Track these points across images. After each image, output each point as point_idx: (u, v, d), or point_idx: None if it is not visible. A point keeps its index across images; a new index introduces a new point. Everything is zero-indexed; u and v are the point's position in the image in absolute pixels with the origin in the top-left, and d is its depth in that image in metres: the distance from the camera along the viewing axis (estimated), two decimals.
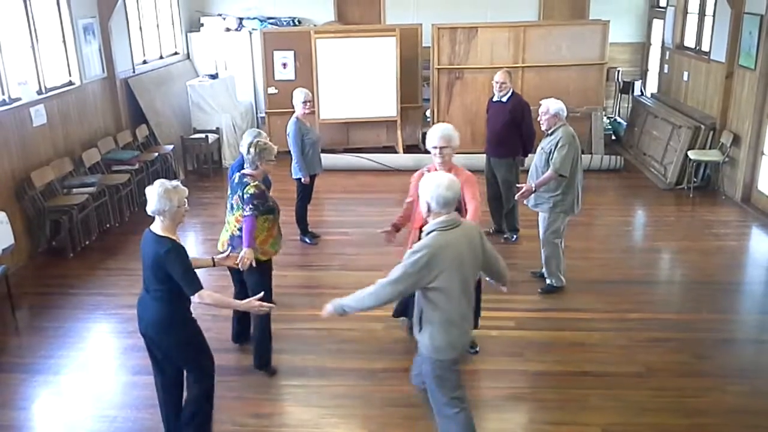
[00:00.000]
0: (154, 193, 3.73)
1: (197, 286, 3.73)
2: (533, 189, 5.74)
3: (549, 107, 5.72)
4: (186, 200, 3.83)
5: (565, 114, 5.75)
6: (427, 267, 3.31)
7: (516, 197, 6.05)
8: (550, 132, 5.76)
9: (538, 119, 5.84)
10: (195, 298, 3.74)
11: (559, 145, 5.61)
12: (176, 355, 3.96)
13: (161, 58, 11.10)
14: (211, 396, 4.07)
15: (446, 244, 3.34)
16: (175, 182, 3.83)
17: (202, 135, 10.05)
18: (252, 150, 4.74)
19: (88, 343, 5.53)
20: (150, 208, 3.77)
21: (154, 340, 3.93)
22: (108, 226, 7.95)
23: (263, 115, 11.29)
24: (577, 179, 5.80)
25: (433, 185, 3.37)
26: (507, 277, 3.86)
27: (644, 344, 5.27)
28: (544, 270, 6.12)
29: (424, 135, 11.15)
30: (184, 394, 4.08)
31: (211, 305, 3.90)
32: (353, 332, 5.51)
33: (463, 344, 3.62)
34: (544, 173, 5.71)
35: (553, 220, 5.87)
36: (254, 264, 4.63)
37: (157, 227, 3.81)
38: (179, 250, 3.74)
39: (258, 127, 11.90)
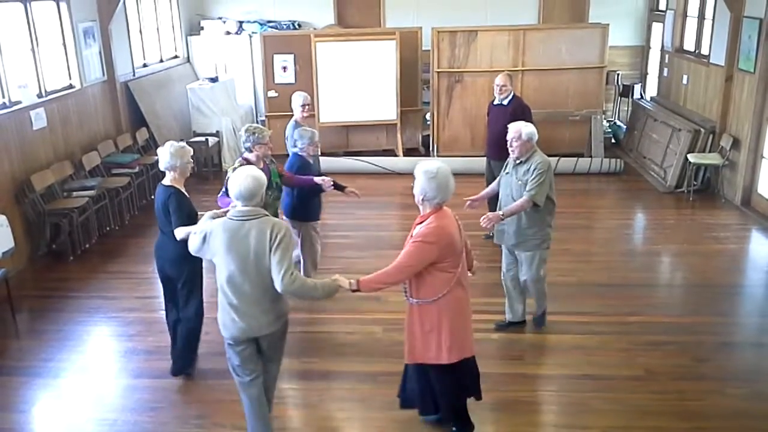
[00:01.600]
0: (167, 152, 4.57)
1: (180, 224, 4.42)
2: (502, 217, 5.03)
3: (521, 132, 4.97)
4: (191, 159, 4.65)
5: (536, 138, 5.06)
6: (203, 242, 3.75)
7: (483, 224, 4.97)
8: (523, 159, 5.04)
9: (508, 146, 5.07)
10: (175, 232, 4.43)
11: (538, 171, 4.94)
12: (187, 283, 4.74)
13: (161, 61, 11.12)
14: (201, 314, 4.88)
15: (224, 231, 3.65)
16: (182, 143, 4.66)
17: (202, 138, 10.06)
18: (244, 134, 5.22)
19: (88, 347, 5.53)
20: (162, 165, 4.60)
21: (171, 275, 4.77)
22: (108, 229, 7.96)
23: (263, 118, 11.30)
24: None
25: (231, 179, 3.75)
26: (285, 288, 3.63)
27: (644, 347, 5.27)
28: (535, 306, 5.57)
29: (424, 138, 11.21)
30: None
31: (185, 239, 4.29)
32: (353, 335, 5.51)
33: (233, 330, 3.78)
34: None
35: (541, 258, 5.29)
36: None
37: (167, 180, 4.61)
38: (180, 195, 4.56)
39: None
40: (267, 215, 3.71)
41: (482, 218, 4.95)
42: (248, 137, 5.15)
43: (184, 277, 4.73)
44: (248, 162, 5.12)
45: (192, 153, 4.70)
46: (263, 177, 3.73)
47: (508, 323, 5.57)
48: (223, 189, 5.08)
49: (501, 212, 5.05)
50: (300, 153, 5.94)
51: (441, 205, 3.76)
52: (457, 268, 3.77)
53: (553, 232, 5.31)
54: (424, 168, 3.74)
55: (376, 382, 4.87)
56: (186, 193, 4.62)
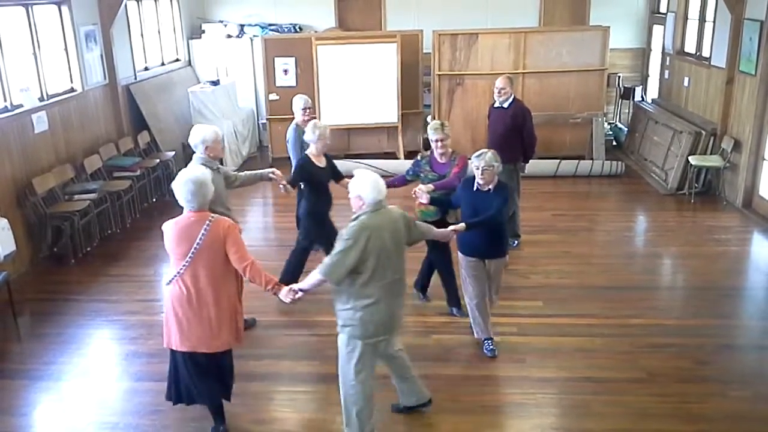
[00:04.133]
0: (310, 131, 5.63)
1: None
2: (296, 294, 4.11)
3: (352, 186, 3.96)
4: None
5: (370, 199, 3.88)
6: None
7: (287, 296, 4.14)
8: (352, 219, 3.96)
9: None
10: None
11: (343, 238, 3.85)
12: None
13: (163, 64, 11.12)
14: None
15: None
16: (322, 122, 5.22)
17: None
18: (430, 128, 5.58)
19: (89, 350, 5.53)
20: (308, 138, 5.71)
21: None
22: (109, 232, 7.96)
23: (264, 121, 11.31)
24: (378, 295, 3.89)
25: None
26: None
27: (646, 350, 5.27)
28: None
29: (425, 141, 11.21)
30: None
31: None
32: None
33: None
34: None
35: (344, 345, 4.06)
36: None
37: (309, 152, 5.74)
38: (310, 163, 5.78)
39: (259, 134, 11.99)
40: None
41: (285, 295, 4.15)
42: (428, 130, 5.58)
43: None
44: (432, 154, 5.60)
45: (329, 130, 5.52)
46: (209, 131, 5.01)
47: (403, 407, 4.55)
48: (407, 170, 5.74)
49: (296, 285, 4.20)
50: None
51: (192, 210, 3.97)
52: (176, 267, 3.99)
53: (365, 320, 3.93)
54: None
55: (377, 384, 4.86)
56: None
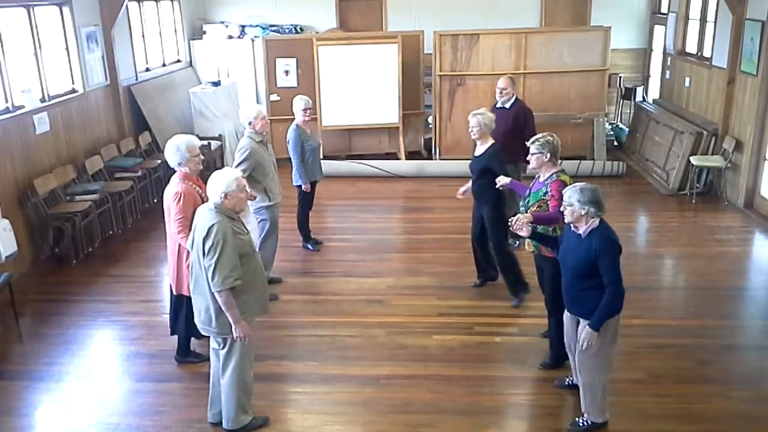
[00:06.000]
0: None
1: None
2: None
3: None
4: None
5: (210, 196, 3.96)
6: None
7: None
8: None
9: None
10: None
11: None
12: None
13: (164, 65, 11.15)
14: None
15: None
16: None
17: (205, 142, 10.05)
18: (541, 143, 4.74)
19: (91, 350, 5.53)
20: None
21: None
22: (111, 233, 7.96)
23: None
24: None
25: None
26: None
27: (647, 350, 5.26)
28: None
29: (426, 141, 11.22)
30: None
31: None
32: (356, 339, 5.51)
33: None
34: None
35: None
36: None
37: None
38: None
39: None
40: None
41: None
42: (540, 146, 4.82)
43: None
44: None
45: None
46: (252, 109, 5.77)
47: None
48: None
49: None
50: None
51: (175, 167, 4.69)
52: None
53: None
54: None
55: (378, 385, 4.87)
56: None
